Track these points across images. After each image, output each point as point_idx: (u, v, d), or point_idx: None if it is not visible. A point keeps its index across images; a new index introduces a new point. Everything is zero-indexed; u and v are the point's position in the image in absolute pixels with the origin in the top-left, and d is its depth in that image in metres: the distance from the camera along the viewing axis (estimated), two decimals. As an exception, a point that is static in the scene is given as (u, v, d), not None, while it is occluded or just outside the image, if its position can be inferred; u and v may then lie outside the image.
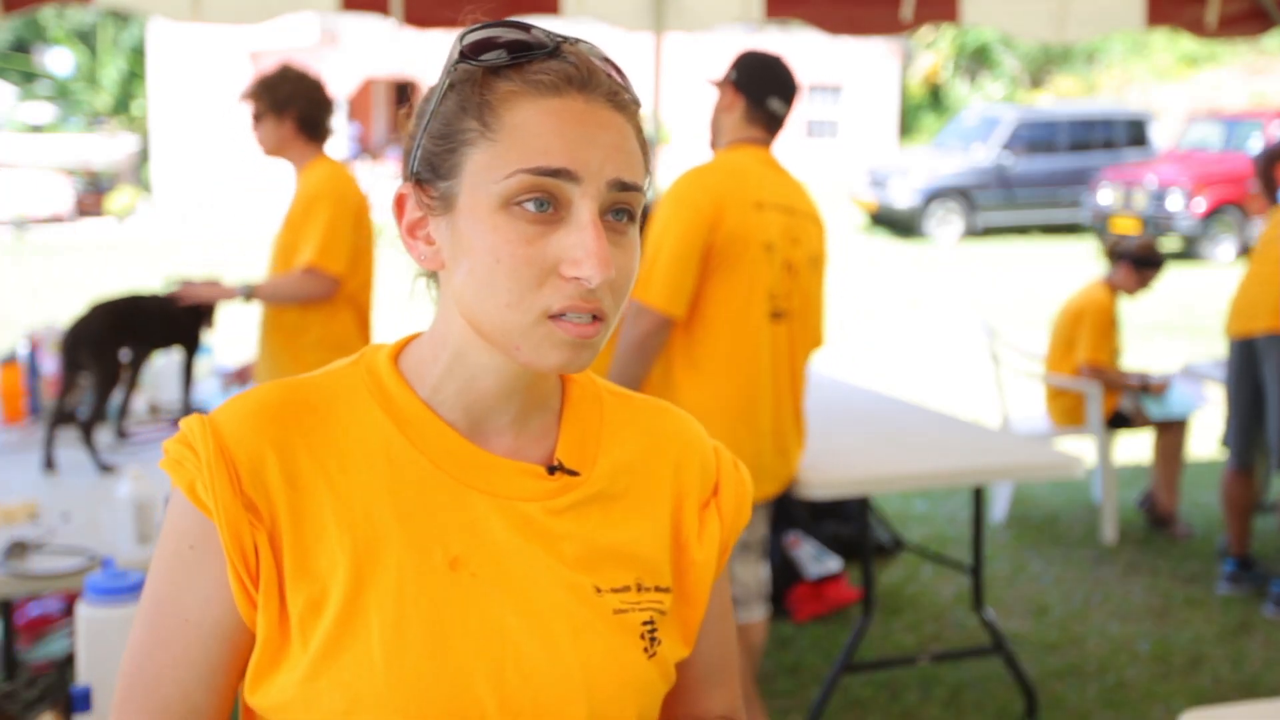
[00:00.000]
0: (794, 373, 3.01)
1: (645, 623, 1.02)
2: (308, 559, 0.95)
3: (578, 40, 0.97)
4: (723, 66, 3.03)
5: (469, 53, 0.95)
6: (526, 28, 0.95)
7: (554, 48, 0.95)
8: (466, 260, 0.94)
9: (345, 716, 0.93)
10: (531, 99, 0.93)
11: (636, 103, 0.99)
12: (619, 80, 0.98)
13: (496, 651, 0.96)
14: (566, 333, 0.93)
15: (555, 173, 0.92)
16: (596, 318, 0.93)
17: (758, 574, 3.05)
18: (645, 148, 0.99)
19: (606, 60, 0.98)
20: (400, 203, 1.00)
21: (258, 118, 3.51)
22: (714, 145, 3.04)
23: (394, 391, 1.01)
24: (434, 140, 0.96)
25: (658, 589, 1.04)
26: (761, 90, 2.94)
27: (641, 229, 3.40)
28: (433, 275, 1.03)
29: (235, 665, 0.97)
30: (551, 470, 1.02)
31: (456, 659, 0.95)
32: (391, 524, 0.96)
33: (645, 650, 1.01)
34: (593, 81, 0.95)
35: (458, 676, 0.94)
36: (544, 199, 0.92)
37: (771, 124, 2.98)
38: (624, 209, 0.95)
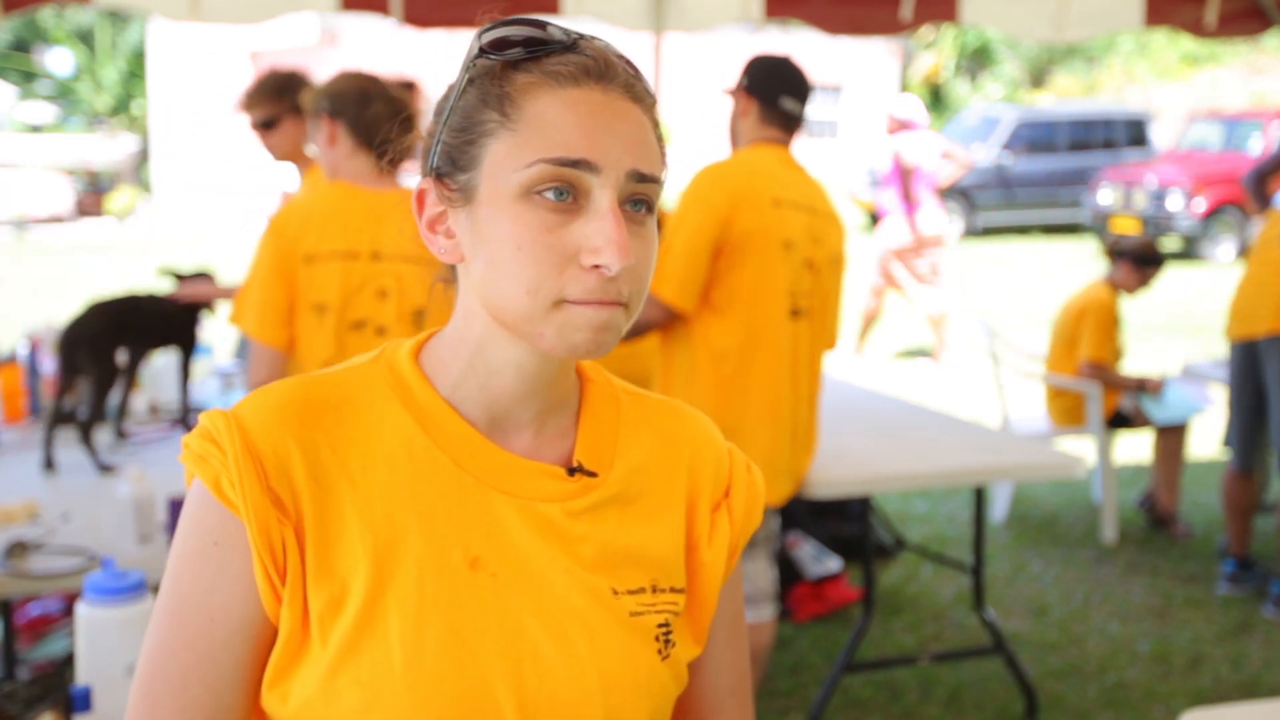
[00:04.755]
0: (811, 372, 3.02)
1: (660, 625, 1.02)
2: (329, 557, 0.95)
3: (594, 37, 0.98)
4: (734, 75, 3.05)
5: (488, 48, 0.96)
6: (543, 25, 0.96)
7: (571, 42, 0.96)
8: (487, 250, 0.95)
9: (364, 714, 0.93)
10: (550, 90, 0.94)
11: (652, 96, 1.00)
12: (635, 74, 0.99)
13: (515, 652, 0.96)
14: (587, 317, 0.93)
15: (575, 163, 0.92)
16: (617, 303, 0.94)
17: (768, 573, 3.07)
18: (662, 141, 1.00)
19: (621, 56, 0.99)
20: (420, 198, 1.01)
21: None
22: (734, 151, 3.06)
23: (416, 388, 1.01)
24: (453, 134, 0.97)
25: (673, 590, 1.04)
26: (773, 91, 2.96)
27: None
28: (452, 274, 1.03)
29: (260, 662, 0.97)
30: (571, 472, 1.02)
31: (475, 659, 0.95)
32: (412, 523, 0.96)
33: (659, 652, 1.02)
34: (610, 73, 0.96)
35: (476, 676, 0.95)
36: (564, 188, 0.93)
37: (788, 123, 3.00)
38: (642, 200, 0.96)
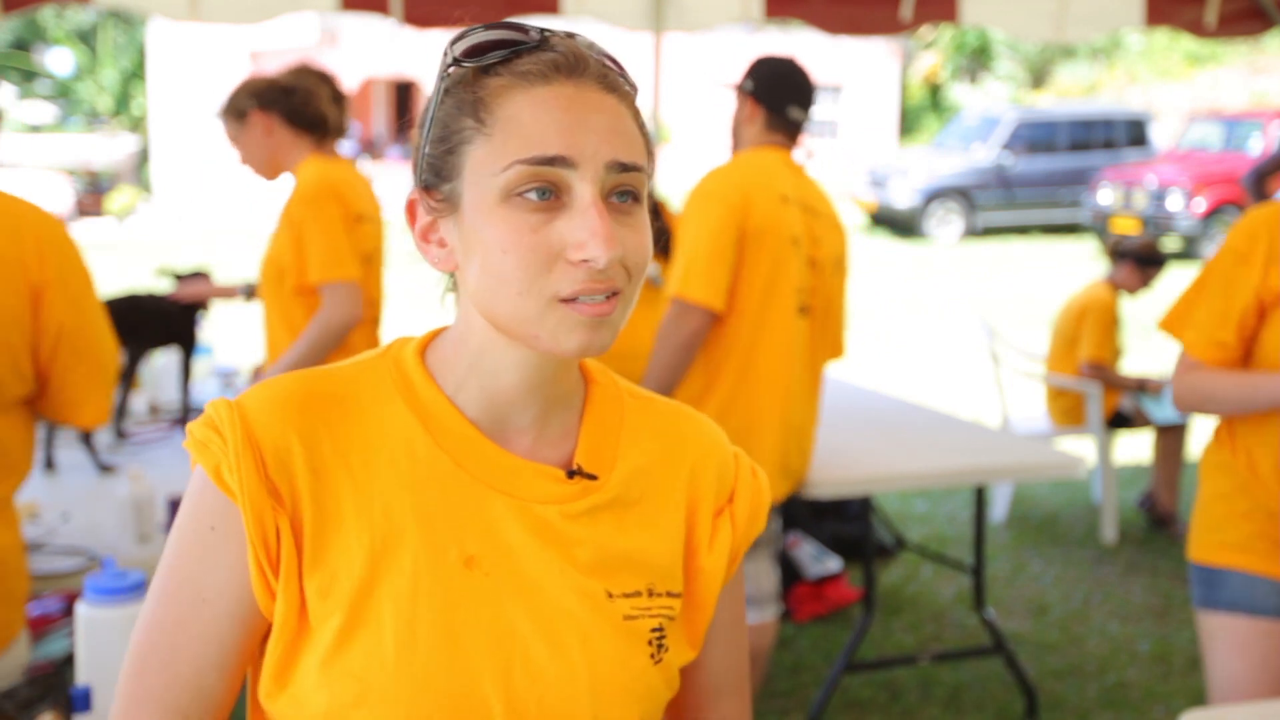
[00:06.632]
0: (814, 371, 3.02)
1: (654, 629, 1.03)
2: (325, 549, 0.96)
3: (568, 34, 0.99)
4: (741, 72, 3.03)
5: (460, 56, 0.97)
6: (512, 26, 0.97)
7: (539, 41, 0.97)
8: (477, 256, 0.96)
9: (355, 707, 0.94)
10: (522, 90, 0.95)
11: (633, 87, 1.00)
12: (611, 65, 0.99)
13: (505, 652, 0.97)
14: (581, 314, 0.93)
15: (551, 160, 0.93)
16: (611, 295, 0.94)
17: (771, 574, 3.06)
18: (645, 130, 1.00)
19: (594, 49, 0.99)
20: (411, 210, 1.02)
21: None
22: (735, 152, 3.05)
23: (420, 387, 1.02)
24: (434, 145, 0.98)
25: (669, 594, 1.05)
26: (781, 100, 2.96)
27: (660, 228, 3.36)
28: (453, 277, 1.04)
29: (247, 650, 0.98)
30: (570, 474, 1.02)
31: (465, 656, 0.96)
32: (410, 520, 0.97)
33: (652, 657, 1.02)
34: (580, 67, 0.96)
35: (466, 674, 0.95)
36: (544, 187, 0.93)
37: (791, 129, 3.00)
38: (627, 190, 0.96)
